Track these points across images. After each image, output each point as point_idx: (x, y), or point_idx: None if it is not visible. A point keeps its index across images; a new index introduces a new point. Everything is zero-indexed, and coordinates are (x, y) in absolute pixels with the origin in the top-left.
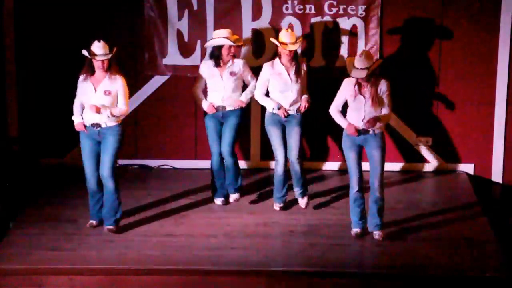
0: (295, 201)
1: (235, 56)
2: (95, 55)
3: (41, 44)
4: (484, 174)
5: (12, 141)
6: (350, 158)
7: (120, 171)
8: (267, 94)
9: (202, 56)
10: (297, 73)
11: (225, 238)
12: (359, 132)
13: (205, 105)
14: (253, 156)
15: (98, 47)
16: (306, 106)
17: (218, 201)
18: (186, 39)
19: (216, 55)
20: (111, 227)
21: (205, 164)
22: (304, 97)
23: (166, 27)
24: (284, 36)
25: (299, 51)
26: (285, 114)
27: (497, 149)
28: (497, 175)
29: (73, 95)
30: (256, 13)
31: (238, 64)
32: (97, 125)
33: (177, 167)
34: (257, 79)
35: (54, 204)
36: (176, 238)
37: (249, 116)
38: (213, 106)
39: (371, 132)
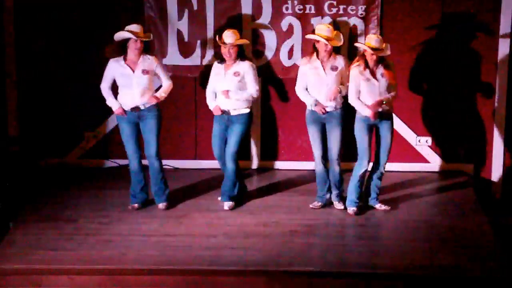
0: (295, 201)
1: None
2: (137, 34)
3: (41, 44)
4: (484, 174)
5: (12, 141)
6: (364, 140)
7: (121, 171)
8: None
9: (202, 56)
10: (333, 68)
11: (225, 238)
12: (379, 113)
13: (211, 106)
14: (253, 156)
15: (138, 27)
16: (334, 96)
17: (226, 205)
18: (186, 39)
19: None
20: (164, 203)
21: (205, 164)
22: (335, 87)
23: (166, 27)
24: (325, 31)
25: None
26: (323, 111)
27: (497, 149)
28: (497, 175)
29: (73, 95)
30: (256, 13)
31: (244, 65)
32: (136, 108)
33: (177, 167)
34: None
35: (54, 204)
36: (176, 238)
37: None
38: (219, 108)
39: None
